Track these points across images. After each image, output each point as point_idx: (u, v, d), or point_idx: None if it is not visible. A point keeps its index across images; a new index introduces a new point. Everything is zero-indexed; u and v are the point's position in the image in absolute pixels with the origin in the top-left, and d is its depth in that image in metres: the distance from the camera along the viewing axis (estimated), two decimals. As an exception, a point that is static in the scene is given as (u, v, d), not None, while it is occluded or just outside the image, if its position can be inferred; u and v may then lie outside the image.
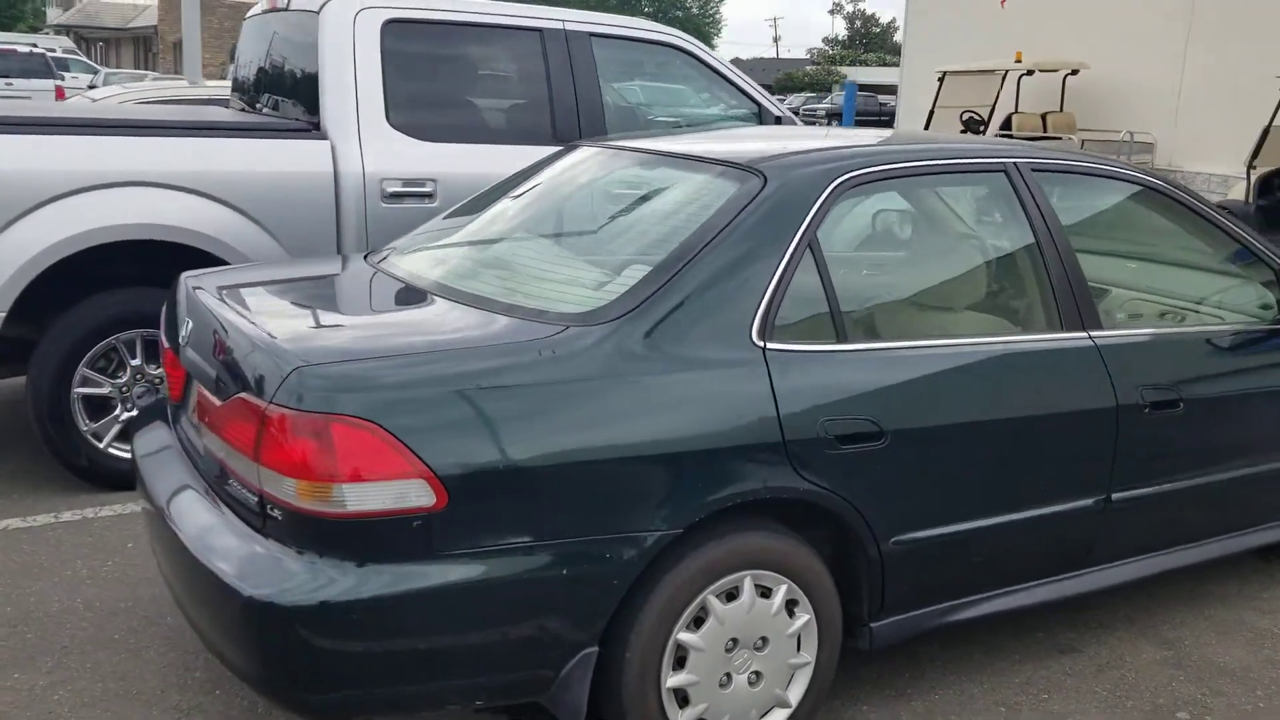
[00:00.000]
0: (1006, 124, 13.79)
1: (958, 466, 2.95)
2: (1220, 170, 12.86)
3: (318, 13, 4.91)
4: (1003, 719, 3.12)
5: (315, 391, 2.36)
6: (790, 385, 2.73)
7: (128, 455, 4.58)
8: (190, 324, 2.92)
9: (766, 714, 2.82)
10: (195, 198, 4.52)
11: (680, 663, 2.69)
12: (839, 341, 2.86)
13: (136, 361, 4.56)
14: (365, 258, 3.53)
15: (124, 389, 4.57)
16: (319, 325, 2.82)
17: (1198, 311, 3.62)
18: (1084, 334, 3.22)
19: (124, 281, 4.54)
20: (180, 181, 4.49)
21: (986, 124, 13.35)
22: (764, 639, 2.77)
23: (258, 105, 5.79)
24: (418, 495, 2.35)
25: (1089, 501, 3.21)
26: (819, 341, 2.83)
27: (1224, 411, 3.43)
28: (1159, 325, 3.45)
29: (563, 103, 5.25)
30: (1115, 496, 3.25)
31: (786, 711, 2.85)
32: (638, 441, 2.54)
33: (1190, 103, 13.39)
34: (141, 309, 4.52)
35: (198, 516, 2.67)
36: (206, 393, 2.70)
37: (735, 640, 2.73)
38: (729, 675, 2.74)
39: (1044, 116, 13.23)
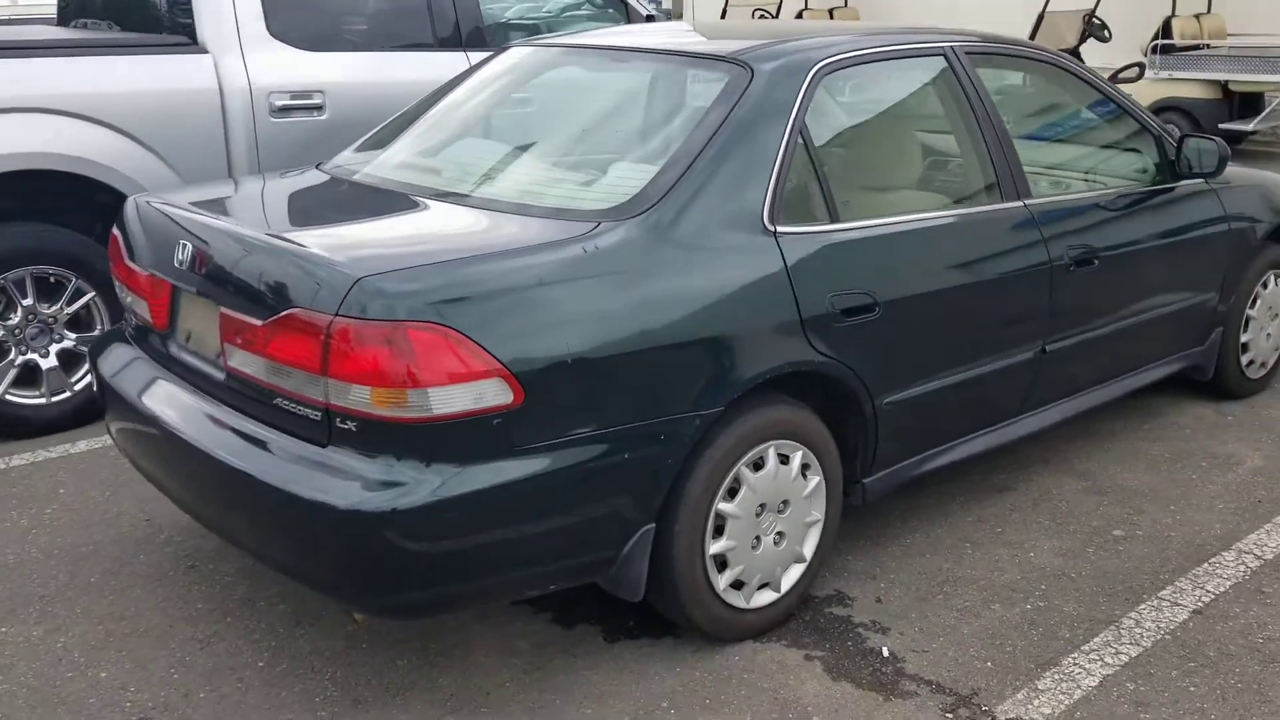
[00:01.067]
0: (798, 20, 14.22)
1: (932, 330, 3.22)
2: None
3: (181, -80, 4.63)
4: (969, 554, 3.47)
5: (386, 300, 2.37)
6: (801, 265, 2.91)
7: (31, 401, 4.34)
8: (189, 245, 2.81)
9: (787, 569, 3.05)
10: (79, 122, 4.25)
11: (719, 531, 2.87)
12: (832, 221, 3.05)
13: (28, 301, 4.29)
14: (319, 167, 3.47)
15: (16, 331, 4.30)
16: (353, 236, 2.78)
17: (1093, 178, 4.00)
18: (1019, 202, 3.53)
19: (4, 216, 4.24)
20: (61, 105, 4.21)
21: (770, 17, 13.74)
22: (785, 502, 2.98)
23: (89, 23, 5.41)
24: (496, 394, 2.41)
25: (1029, 353, 3.56)
26: (816, 223, 3.02)
27: (1127, 264, 3.84)
28: (1070, 191, 3.81)
29: (439, 5, 5.16)
30: (1049, 348, 3.62)
31: (803, 565, 3.08)
32: (682, 327, 2.67)
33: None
34: (27, 245, 4.24)
35: (236, 438, 2.64)
36: (233, 312, 2.64)
37: (763, 505, 2.93)
38: (758, 538, 2.94)
39: (831, 12, 13.70)
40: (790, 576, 3.05)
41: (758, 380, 2.81)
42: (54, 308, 4.34)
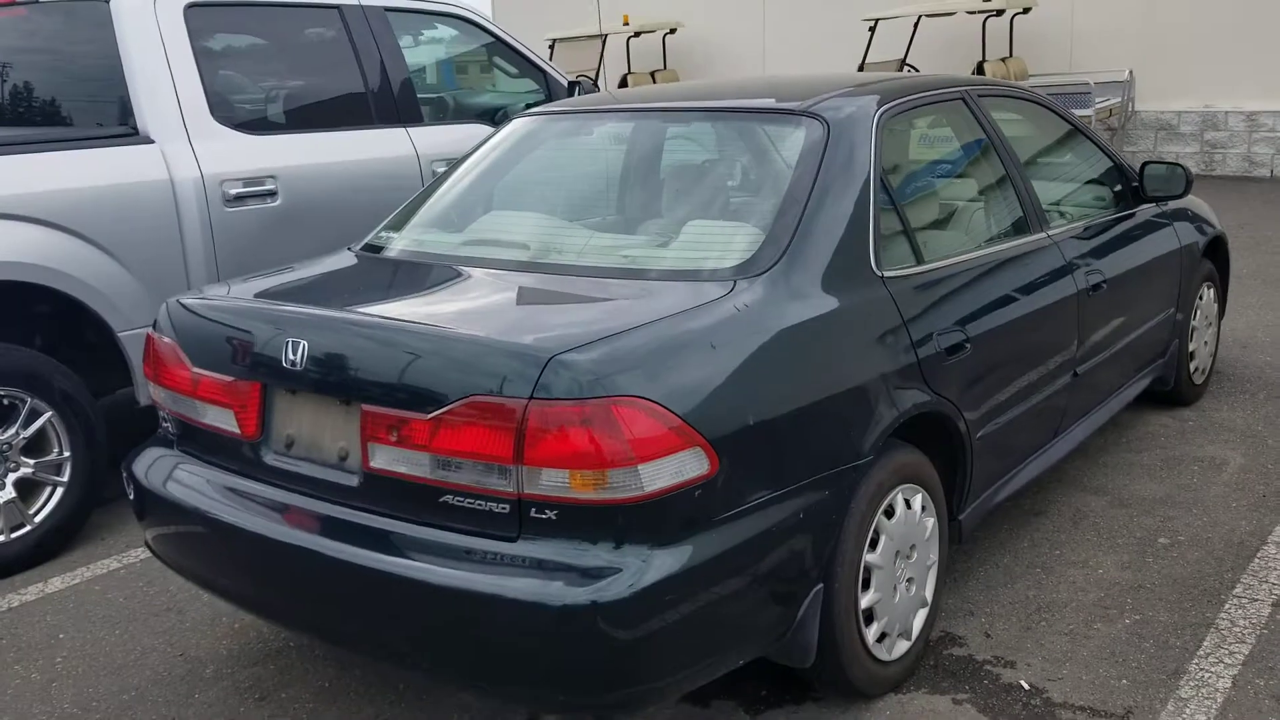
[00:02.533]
0: (623, 84, 14.44)
1: (1008, 360, 3.31)
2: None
3: (108, 2, 4.30)
4: (1045, 579, 3.55)
5: (584, 377, 2.24)
6: (908, 308, 2.93)
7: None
8: (303, 342, 2.57)
9: (916, 615, 3.03)
10: (16, 224, 3.85)
11: (865, 583, 2.83)
12: (919, 263, 3.09)
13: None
14: (359, 249, 3.29)
15: (-31, 463, 3.83)
16: (507, 316, 2.60)
17: (1080, 206, 4.22)
18: (1044, 234, 3.68)
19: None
20: (5, 208, 3.81)
21: (596, 85, 13.91)
22: (912, 547, 2.97)
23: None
24: (695, 464, 2.31)
25: (1067, 377, 3.69)
26: (908, 265, 3.05)
27: (1125, 286, 4.05)
28: (1073, 220, 4.00)
29: (374, 82, 4.99)
30: (1079, 370, 3.77)
31: (926, 609, 3.07)
32: (832, 377, 2.65)
33: (774, 55, 14.75)
34: (-24, 365, 3.81)
35: (390, 543, 2.42)
36: (382, 408, 2.43)
37: (897, 553, 2.91)
38: (894, 586, 2.92)
39: (653, 75, 14.02)
40: (918, 622, 3.04)
41: (896, 423, 2.80)
42: (8, 433, 3.90)
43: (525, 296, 2.75)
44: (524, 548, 2.31)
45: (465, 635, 2.33)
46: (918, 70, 11.30)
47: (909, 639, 3.00)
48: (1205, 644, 3.13)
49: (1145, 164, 4.38)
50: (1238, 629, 3.19)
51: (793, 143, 3.06)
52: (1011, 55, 11.61)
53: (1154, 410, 4.98)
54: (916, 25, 11.56)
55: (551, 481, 2.25)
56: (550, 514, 2.28)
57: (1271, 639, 3.13)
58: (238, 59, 4.63)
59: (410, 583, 2.36)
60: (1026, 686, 2.97)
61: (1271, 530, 3.78)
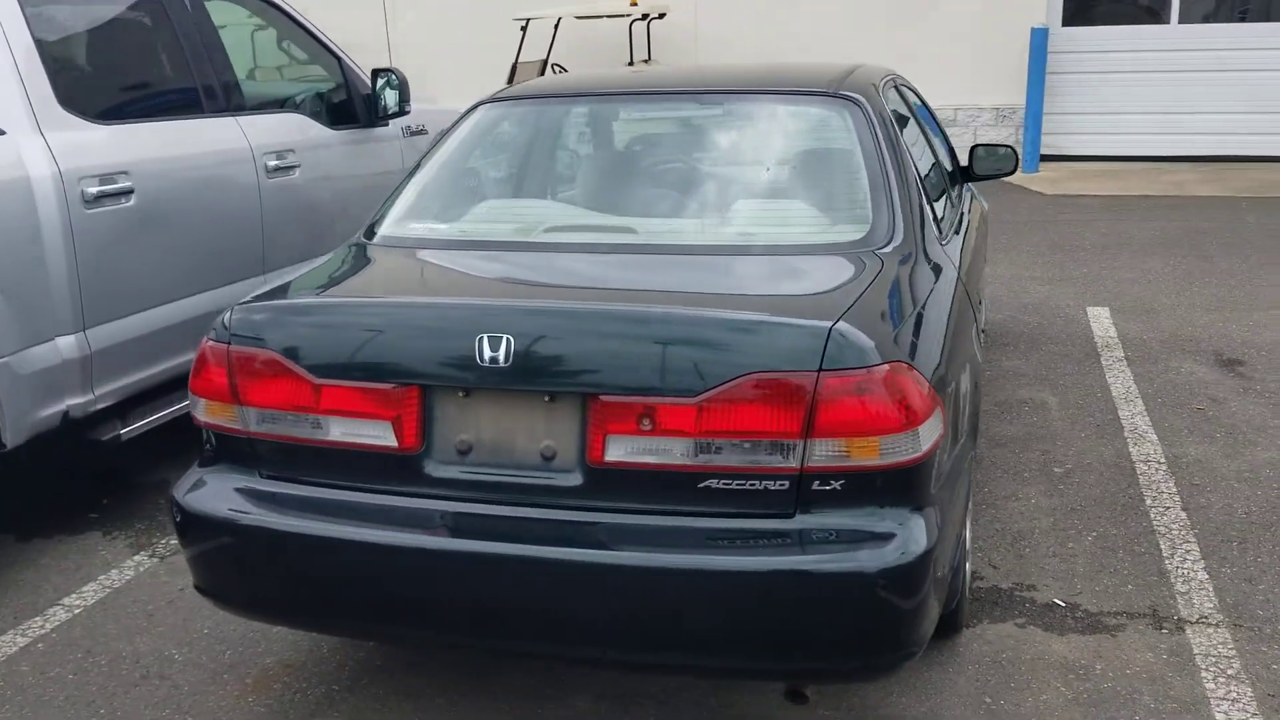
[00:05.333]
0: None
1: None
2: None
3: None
4: (995, 515, 3.97)
5: (867, 345, 2.28)
6: (960, 267, 3.21)
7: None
8: (508, 338, 2.34)
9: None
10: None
11: (961, 527, 3.07)
12: (939, 232, 3.35)
13: None
14: (412, 243, 3.04)
15: None
16: (722, 293, 2.58)
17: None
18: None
19: None
20: None
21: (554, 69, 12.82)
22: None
23: None
24: (939, 426, 2.42)
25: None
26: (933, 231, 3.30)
27: (977, 260, 4.58)
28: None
29: (200, 66, 4.45)
30: (983, 330, 4.24)
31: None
32: (968, 336, 2.88)
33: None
34: None
35: (646, 538, 2.32)
36: (627, 397, 2.30)
37: (969, 497, 3.19)
38: (966, 529, 3.19)
39: (547, 65, 13.06)
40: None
41: None
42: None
43: (699, 276, 2.70)
44: (807, 521, 2.30)
45: (749, 618, 2.29)
46: (563, 70, 11.62)
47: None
48: (1163, 548, 3.68)
49: (974, 147, 4.96)
50: (1174, 531, 3.78)
51: (838, 121, 3.21)
52: (650, 58, 12.27)
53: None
54: (557, 27, 11.89)
55: (834, 452, 2.27)
56: (835, 485, 2.29)
57: (1211, 535, 3.74)
58: (72, 39, 3.97)
59: (682, 574, 2.28)
60: (1062, 604, 3.35)
61: (1129, 452, 4.48)
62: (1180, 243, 8.05)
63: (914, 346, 2.43)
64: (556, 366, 2.36)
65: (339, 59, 5.40)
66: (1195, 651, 3.10)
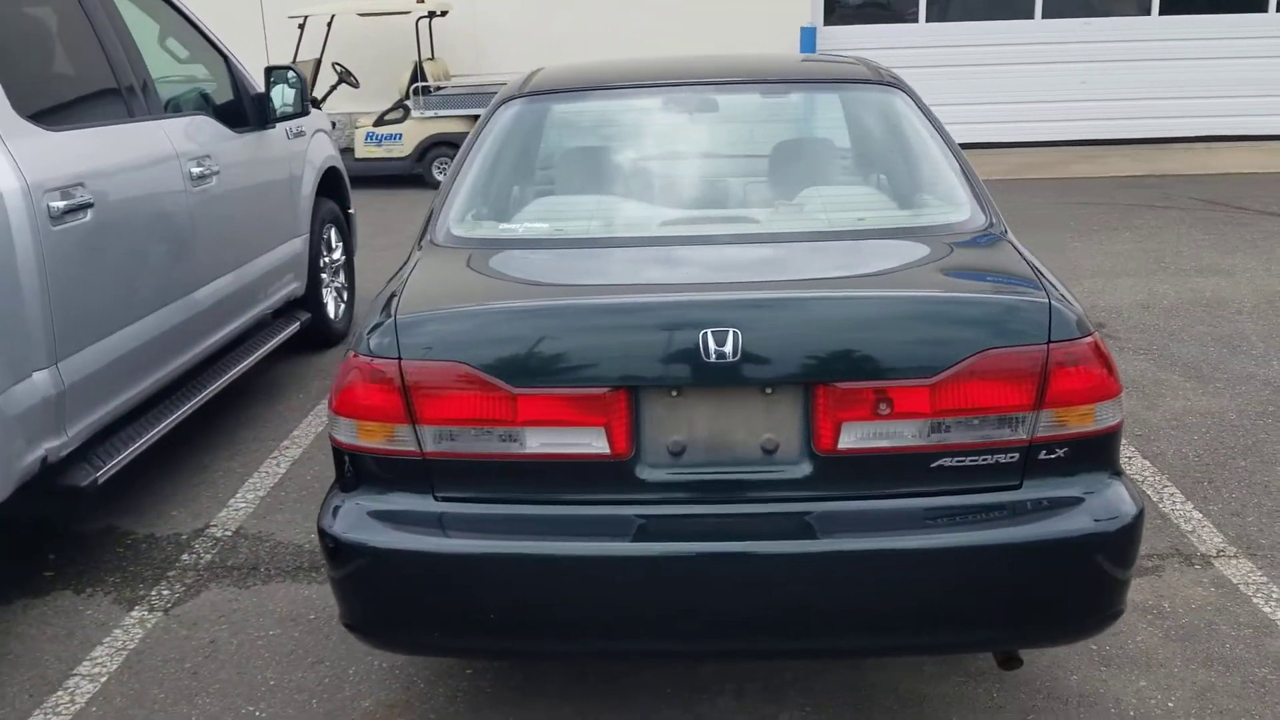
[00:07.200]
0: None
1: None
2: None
3: None
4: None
5: (1076, 316, 2.38)
6: None
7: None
8: (734, 332, 2.26)
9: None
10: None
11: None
12: None
13: None
14: (510, 245, 2.89)
15: None
16: (912, 273, 2.59)
17: None
18: None
19: None
20: None
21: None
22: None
23: None
24: None
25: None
26: None
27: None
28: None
29: (121, 67, 4.00)
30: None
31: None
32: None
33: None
34: None
35: (888, 522, 2.33)
36: (857, 383, 2.29)
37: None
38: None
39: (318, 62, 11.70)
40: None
41: None
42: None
43: (862, 260, 2.71)
44: (1034, 491, 2.37)
45: (986, 590, 2.34)
46: (346, 69, 11.10)
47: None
48: (1150, 494, 4.00)
49: None
50: (1150, 478, 4.12)
51: (897, 109, 3.29)
52: (434, 56, 11.95)
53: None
54: (330, 24, 11.37)
55: (1058, 421, 2.35)
56: (1060, 452, 2.37)
57: (1182, 478, 4.10)
58: (13, 40, 3.47)
59: (922, 554, 2.30)
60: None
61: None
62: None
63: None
64: (782, 357, 2.31)
65: (226, 57, 4.98)
66: (1235, 582, 3.40)
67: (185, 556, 3.72)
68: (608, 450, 2.34)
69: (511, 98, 3.39)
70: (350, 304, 6.22)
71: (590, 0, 12.16)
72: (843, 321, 2.36)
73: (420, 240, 2.99)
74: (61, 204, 3.32)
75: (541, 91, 3.39)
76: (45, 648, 3.23)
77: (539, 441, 2.35)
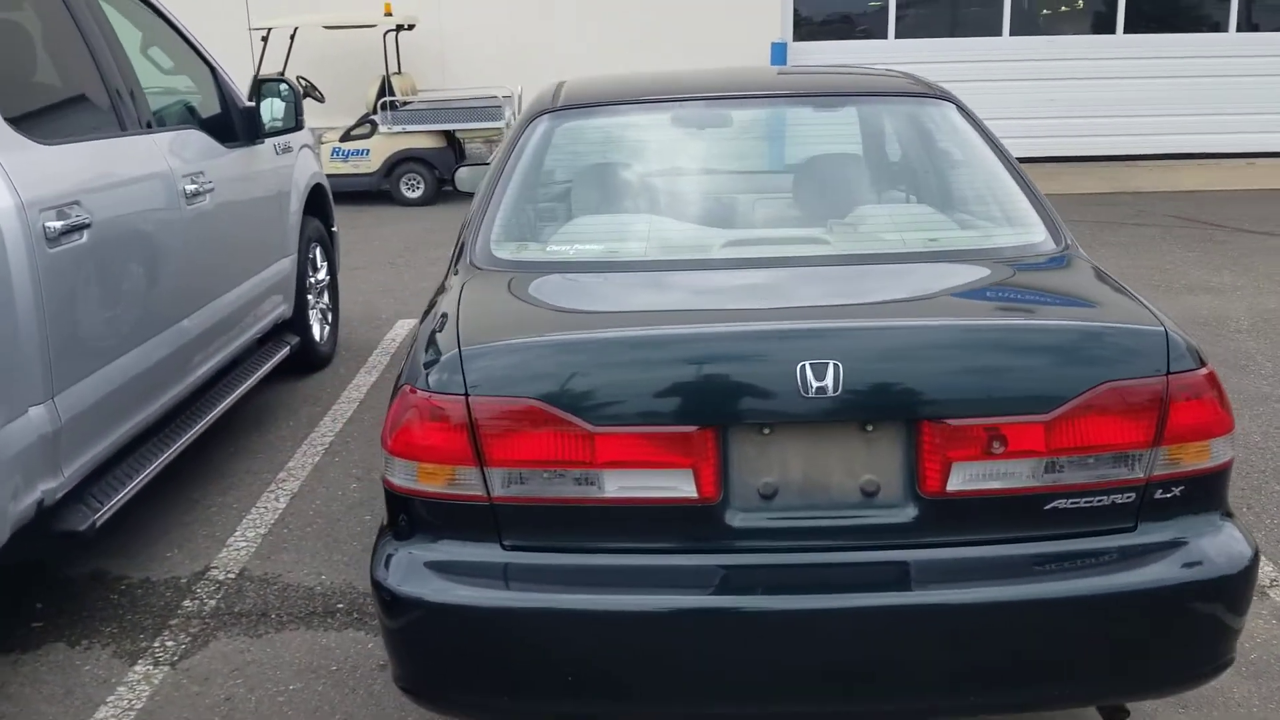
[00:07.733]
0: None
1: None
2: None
3: None
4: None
5: (1187, 348, 2.23)
6: None
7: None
8: (835, 364, 2.08)
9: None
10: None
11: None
12: None
13: None
14: (565, 269, 2.68)
15: None
16: (1014, 301, 2.45)
17: None
18: None
19: None
20: None
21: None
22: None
23: None
24: None
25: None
26: None
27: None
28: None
29: (111, 76, 3.74)
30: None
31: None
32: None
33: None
34: None
35: (997, 572, 2.15)
36: (964, 420, 2.11)
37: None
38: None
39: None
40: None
41: None
42: None
43: (957, 283, 2.55)
44: (1150, 534, 2.21)
45: (1104, 640, 2.17)
46: (311, 84, 10.82)
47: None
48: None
49: None
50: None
51: (950, 123, 3.14)
52: (400, 71, 11.68)
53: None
54: (293, 37, 11.07)
55: (1173, 458, 2.20)
56: (1175, 491, 2.21)
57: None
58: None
59: (1039, 604, 2.13)
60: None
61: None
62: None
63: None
64: (885, 391, 2.14)
65: (213, 68, 4.73)
66: (1294, 613, 3.29)
67: (187, 603, 3.46)
68: (695, 494, 2.14)
69: (544, 111, 3.18)
70: (335, 326, 5.96)
71: (559, 15, 12.00)
72: (953, 353, 2.18)
73: (455, 263, 2.79)
74: (58, 224, 3.06)
75: (576, 105, 3.20)
76: (43, 710, 2.96)
77: (618, 485, 2.15)
